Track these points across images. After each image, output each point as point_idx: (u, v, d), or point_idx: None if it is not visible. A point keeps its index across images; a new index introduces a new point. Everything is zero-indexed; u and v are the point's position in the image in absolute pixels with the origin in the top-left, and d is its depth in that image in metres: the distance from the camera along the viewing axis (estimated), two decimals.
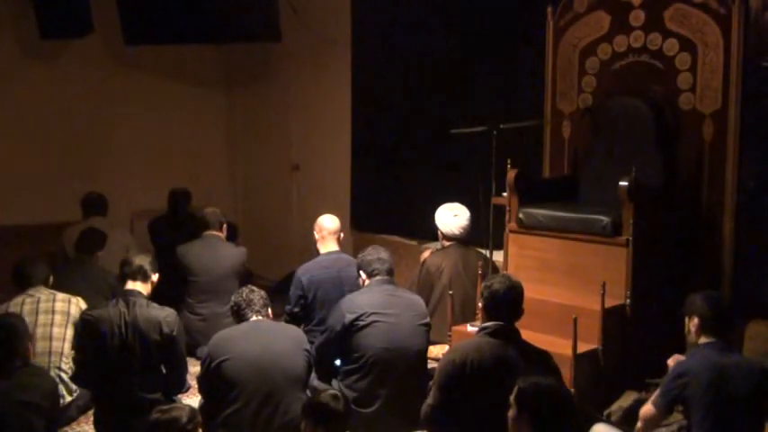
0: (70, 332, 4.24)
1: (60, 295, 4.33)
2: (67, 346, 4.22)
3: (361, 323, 3.97)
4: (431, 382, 3.47)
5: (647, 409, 3.42)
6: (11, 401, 3.26)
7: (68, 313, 4.27)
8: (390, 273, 4.21)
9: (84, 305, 4.33)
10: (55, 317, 4.23)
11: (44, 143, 6.79)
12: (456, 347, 3.48)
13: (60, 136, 6.87)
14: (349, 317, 3.98)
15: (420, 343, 4.10)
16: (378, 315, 3.99)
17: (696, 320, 3.40)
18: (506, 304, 3.37)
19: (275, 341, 3.76)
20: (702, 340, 3.39)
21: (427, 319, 4.16)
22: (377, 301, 4.05)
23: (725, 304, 3.53)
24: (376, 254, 4.22)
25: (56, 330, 4.20)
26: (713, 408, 3.22)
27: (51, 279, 4.46)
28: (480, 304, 3.48)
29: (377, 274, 4.17)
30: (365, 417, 3.89)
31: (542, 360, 3.36)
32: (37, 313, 4.18)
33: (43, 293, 4.29)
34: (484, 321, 3.43)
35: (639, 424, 3.47)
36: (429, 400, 3.39)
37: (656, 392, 3.43)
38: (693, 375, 3.27)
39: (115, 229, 5.81)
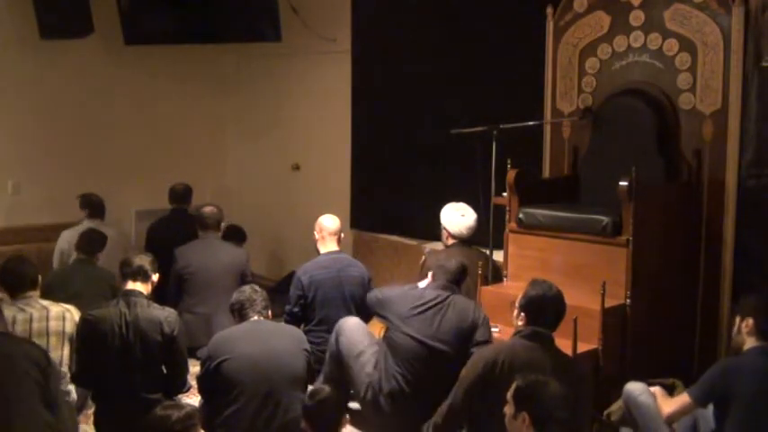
0: (66, 351, 4.09)
1: (54, 311, 4.09)
2: (64, 369, 4.06)
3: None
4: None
5: (683, 398, 3.39)
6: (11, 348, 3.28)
7: (63, 332, 4.08)
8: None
9: (77, 316, 4.13)
10: (50, 339, 4.04)
11: (44, 143, 6.78)
12: (489, 347, 3.47)
13: (60, 136, 6.86)
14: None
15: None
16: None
17: (750, 322, 3.32)
18: (547, 311, 3.36)
19: (275, 341, 3.77)
20: (752, 343, 3.33)
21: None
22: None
23: None
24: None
25: (51, 355, 4.04)
26: (756, 414, 3.18)
27: (40, 278, 4.21)
28: (517, 308, 3.43)
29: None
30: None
31: (573, 368, 3.35)
32: (30, 335, 3.96)
33: (35, 308, 4.05)
34: (523, 326, 3.40)
35: (669, 409, 3.43)
36: (450, 399, 3.38)
37: (696, 384, 3.39)
38: (743, 376, 3.22)
39: (113, 230, 5.81)
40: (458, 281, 4.09)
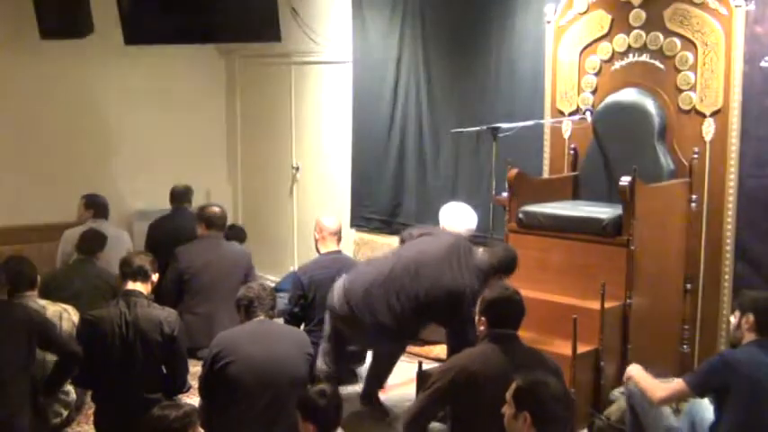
0: None
1: (51, 311, 4.13)
2: None
3: None
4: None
5: (679, 384, 3.39)
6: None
7: None
8: None
9: (75, 316, 4.18)
10: None
11: (44, 144, 6.78)
12: (459, 355, 3.40)
13: (60, 136, 6.86)
14: None
15: None
16: None
17: (751, 318, 3.34)
18: (509, 312, 3.32)
19: (280, 345, 3.73)
20: (751, 338, 3.34)
21: None
22: None
23: None
24: None
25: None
26: (753, 408, 3.20)
27: (39, 278, 4.28)
28: (478, 313, 3.39)
29: None
30: None
31: (543, 362, 3.31)
32: None
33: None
34: (486, 329, 3.35)
35: (663, 393, 3.43)
36: (415, 407, 3.30)
37: (694, 372, 3.40)
38: (741, 369, 3.23)
39: (114, 230, 5.81)
40: (496, 269, 4.02)
